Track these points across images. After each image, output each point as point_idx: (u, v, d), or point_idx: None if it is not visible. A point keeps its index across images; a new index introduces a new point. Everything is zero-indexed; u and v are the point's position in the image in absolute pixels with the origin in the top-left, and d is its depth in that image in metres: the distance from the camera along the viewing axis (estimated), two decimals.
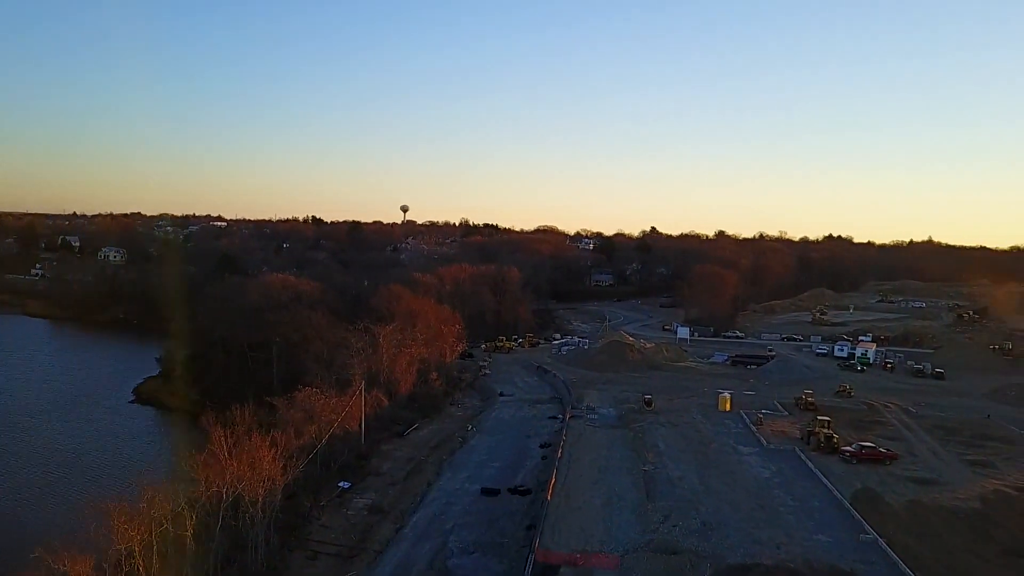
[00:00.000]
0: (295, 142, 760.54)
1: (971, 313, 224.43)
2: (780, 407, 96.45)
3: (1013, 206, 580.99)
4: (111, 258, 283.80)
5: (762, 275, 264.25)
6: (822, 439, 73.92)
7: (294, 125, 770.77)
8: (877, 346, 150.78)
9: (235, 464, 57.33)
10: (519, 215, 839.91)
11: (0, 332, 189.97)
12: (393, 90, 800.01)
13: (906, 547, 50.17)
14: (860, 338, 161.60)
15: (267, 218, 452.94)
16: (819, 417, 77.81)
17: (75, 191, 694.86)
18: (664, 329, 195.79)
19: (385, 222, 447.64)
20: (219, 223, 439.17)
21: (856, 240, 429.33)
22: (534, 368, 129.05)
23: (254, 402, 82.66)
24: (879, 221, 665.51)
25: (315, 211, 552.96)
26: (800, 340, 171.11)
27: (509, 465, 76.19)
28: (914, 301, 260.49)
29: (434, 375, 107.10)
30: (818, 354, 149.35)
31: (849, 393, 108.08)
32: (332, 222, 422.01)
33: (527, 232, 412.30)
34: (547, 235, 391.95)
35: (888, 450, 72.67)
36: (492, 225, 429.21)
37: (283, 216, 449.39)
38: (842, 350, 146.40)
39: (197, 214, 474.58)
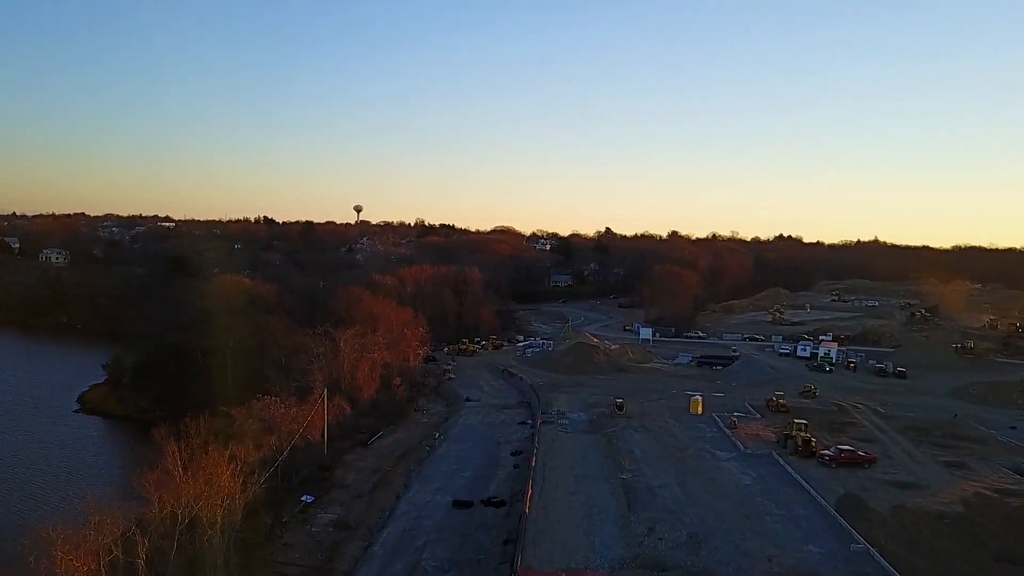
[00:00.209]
0: (244, 141, 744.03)
1: (923, 312, 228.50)
2: (752, 409, 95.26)
3: (954, 207, 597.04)
4: (53, 260, 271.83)
5: (720, 275, 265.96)
6: (800, 443, 72.58)
7: (243, 123, 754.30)
8: (838, 346, 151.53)
9: (191, 481, 53.28)
10: (475, 215, 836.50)
11: None
12: (345, 88, 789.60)
13: (898, 557, 48.63)
14: (821, 338, 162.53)
15: (217, 219, 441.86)
16: (796, 420, 76.55)
17: (14, 190, 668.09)
18: (625, 330, 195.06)
19: (339, 222, 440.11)
20: (167, 224, 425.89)
21: (806, 240, 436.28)
22: (499, 371, 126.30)
23: (209, 412, 78.76)
24: (827, 221, 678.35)
25: (267, 211, 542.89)
26: (762, 340, 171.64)
27: (480, 475, 73.31)
28: (867, 300, 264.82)
29: (397, 380, 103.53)
30: (781, 354, 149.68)
31: (814, 394, 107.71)
32: (284, 223, 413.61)
33: (484, 232, 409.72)
34: (505, 235, 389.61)
35: (866, 453, 71.64)
36: (449, 225, 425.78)
37: (234, 217, 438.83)
38: (804, 350, 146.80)
39: (144, 214, 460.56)
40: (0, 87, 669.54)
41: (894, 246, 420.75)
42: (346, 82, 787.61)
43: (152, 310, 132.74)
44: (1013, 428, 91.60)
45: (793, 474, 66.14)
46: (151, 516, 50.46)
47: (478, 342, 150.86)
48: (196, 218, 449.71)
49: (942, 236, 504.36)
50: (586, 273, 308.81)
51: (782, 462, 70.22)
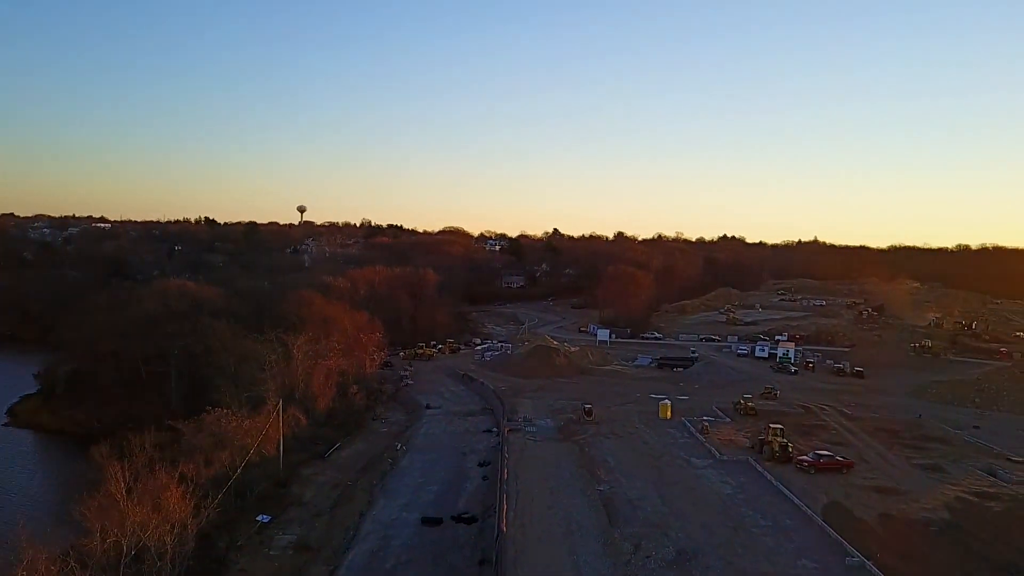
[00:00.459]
0: (182, 139, 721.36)
1: (869, 310, 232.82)
2: (720, 413, 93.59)
3: (889, 207, 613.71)
4: None
5: (671, 275, 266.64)
6: (776, 448, 70.76)
7: (180, 121, 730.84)
8: (795, 346, 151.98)
9: (136, 507, 48.62)
10: (422, 216, 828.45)
11: None
12: (286, 87, 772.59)
13: (894, 570, 46.72)
14: (777, 338, 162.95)
15: (155, 219, 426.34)
16: (771, 425, 74.71)
17: None
18: (580, 331, 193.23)
19: (282, 223, 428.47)
20: (103, 224, 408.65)
21: (748, 240, 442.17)
22: (459, 376, 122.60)
23: (153, 425, 73.71)
24: (768, 222, 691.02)
25: (207, 212, 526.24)
26: (718, 340, 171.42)
27: (448, 488, 69.67)
28: (815, 299, 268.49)
29: (354, 388, 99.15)
30: (739, 355, 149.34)
31: (775, 395, 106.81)
32: (226, 223, 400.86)
33: (433, 233, 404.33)
34: (455, 236, 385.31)
35: (844, 458, 70.26)
36: (396, 226, 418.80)
37: (173, 217, 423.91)
38: (763, 351, 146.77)
39: (77, 215, 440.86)
40: None
41: (833, 246, 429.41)
42: (287, 81, 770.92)
43: (88, 316, 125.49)
44: (977, 428, 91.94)
45: (774, 482, 64.13)
46: (92, 548, 45.60)
47: (434, 346, 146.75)
48: (133, 219, 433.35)
49: (878, 236, 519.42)
50: (538, 274, 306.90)
51: (760, 469, 68.25)
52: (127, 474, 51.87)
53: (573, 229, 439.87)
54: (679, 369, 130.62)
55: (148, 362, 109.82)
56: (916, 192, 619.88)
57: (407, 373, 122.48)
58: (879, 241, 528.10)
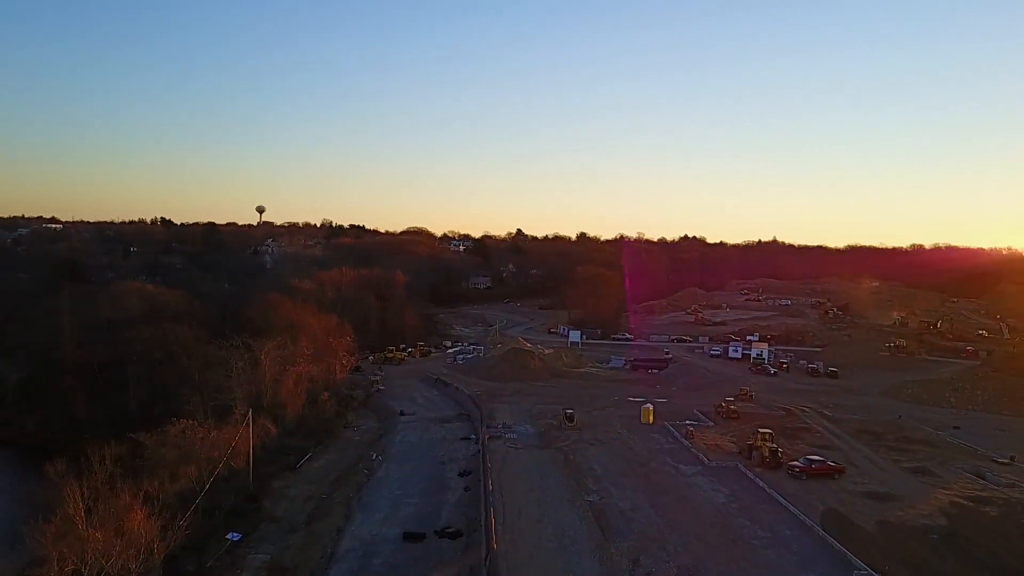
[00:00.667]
0: (135, 137, 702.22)
1: (834, 310, 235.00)
2: (702, 416, 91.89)
3: (844, 208, 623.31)
4: None
5: (638, 276, 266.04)
6: (766, 453, 69.05)
7: (135, 119, 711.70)
8: (768, 346, 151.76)
9: (97, 531, 44.86)
10: (383, 216, 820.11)
11: None
12: (243, 85, 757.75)
13: None
14: (748, 338, 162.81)
15: (109, 220, 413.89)
16: (760, 430, 73.03)
17: None
18: (550, 332, 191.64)
19: (240, 223, 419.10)
20: (54, 225, 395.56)
21: (709, 240, 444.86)
22: (432, 381, 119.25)
23: (112, 436, 69.43)
24: (728, 222, 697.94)
25: (163, 212, 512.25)
26: (689, 341, 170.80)
27: (428, 500, 66.41)
28: (780, 299, 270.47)
29: (325, 395, 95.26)
30: (712, 355, 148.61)
31: (750, 397, 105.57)
32: (183, 224, 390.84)
33: (396, 234, 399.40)
34: (418, 236, 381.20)
35: (835, 463, 68.80)
36: (359, 226, 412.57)
37: (127, 218, 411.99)
38: (736, 351, 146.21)
39: (27, 215, 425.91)
40: None
41: (792, 246, 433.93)
42: (244, 79, 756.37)
43: (39, 320, 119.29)
44: (957, 428, 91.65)
45: (767, 489, 62.32)
46: None
47: (404, 349, 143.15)
48: (85, 219, 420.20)
49: (835, 236, 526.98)
50: (504, 275, 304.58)
51: (751, 475, 66.47)
52: (86, 493, 48.10)
53: (536, 230, 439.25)
54: (654, 371, 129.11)
55: (105, 369, 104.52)
56: (870, 193, 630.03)
57: (378, 378, 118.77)
58: (836, 241, 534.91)
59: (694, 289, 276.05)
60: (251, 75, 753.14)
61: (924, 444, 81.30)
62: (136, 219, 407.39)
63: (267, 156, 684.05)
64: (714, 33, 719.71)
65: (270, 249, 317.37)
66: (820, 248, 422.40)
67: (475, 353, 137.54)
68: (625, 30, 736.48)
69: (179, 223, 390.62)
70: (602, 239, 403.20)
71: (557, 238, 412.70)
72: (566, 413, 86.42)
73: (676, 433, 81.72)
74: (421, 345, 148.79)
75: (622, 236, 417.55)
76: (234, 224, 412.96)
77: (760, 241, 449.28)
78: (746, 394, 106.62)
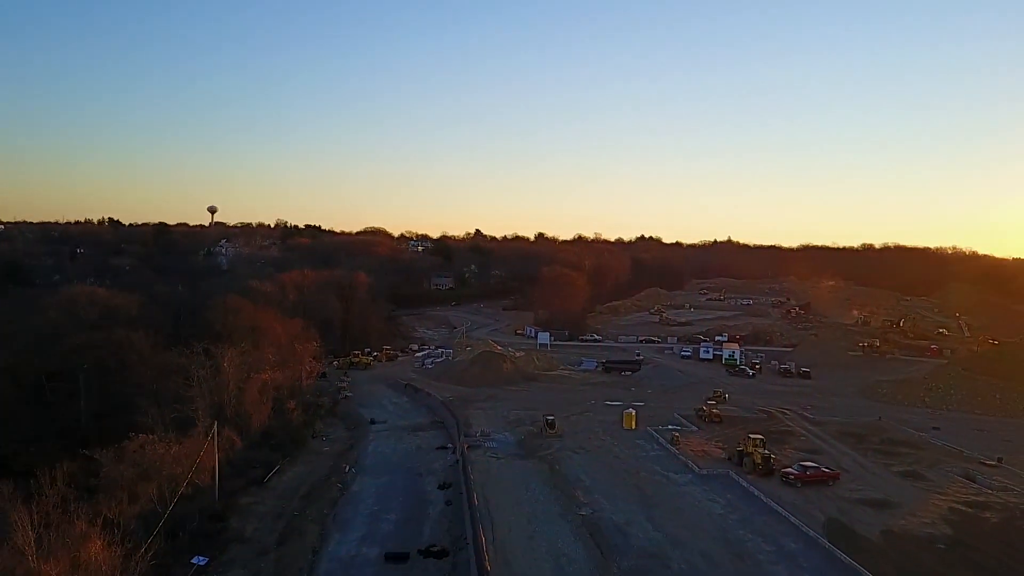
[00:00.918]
0: (81, 135, 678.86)
1: (797, 309, 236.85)
2: (683, 420, 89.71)
3: (798, 209, 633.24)
4: None
5: (602, 276, 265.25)
6: (759, 460, 66.87)
7: (79, 117, 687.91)
8: (738, 347, 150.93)
9: (51, 564, 40.31)
10: (338, 216, 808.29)
11: None
12: (192, 82, 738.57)
13: None
14: (717, 338, 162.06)
15: (54, 220, 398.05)
16: (751, 435, 70.85)
17: None
18: (516, 333, 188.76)
19: (191, 224, 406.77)
20: None
21: (665, 240, 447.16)
22: (401, 386, 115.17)
23: (63, 452, 64.55)
24: (681, 222, 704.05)
25: (110, 212, 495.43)
26: (658, 342, 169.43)
27: (408, 516, 62.52)
28: (742, 298, 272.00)
29: (291, 404, 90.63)
30: (683, 356, 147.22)
31: (724, 399, 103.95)
32: (132, 224, 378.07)
33: (353, 234, 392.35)
34: (377, 237, 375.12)
35: (829, 469, 66.95)
36: (315, 226, 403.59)
37: (72, 218, 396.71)
38: (707, 352, 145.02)
39: None
40: None
41: (747, 246, 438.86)
42: (193, 76, 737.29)
43: None
44: (936, 429, 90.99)
45: (763, 498, 60.03)
46: None
47: (369, 353, 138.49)
48: (28, 220, 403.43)
49: (789, 236, 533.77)
50: (466, 276, 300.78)
51: (744, 483, 64.22)
52: (36, 519, 43.35)
53: (494, 230, 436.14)
54: (627, 373, 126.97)
55: (53, 378, 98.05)
56: (819, 193, 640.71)
57: (344, 384, 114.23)
58: (788, 241, 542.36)
59: (656, 289, 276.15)
60: (199, 73, 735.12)
61: (909, 446, 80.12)
62: (82, 219, 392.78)
63: (218, 155, 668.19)
64: (670, 36, 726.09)
65: (224, 250, 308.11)
66: (774, 248, 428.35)
67: (444, 357, 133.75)
68: (585, 31, 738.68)
69: (128, 224, 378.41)
70: (560, 239, 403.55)
71: (517, 238, 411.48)
72: (547, 420, 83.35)
73: (661, 439, 79.28)
74: (387, 349, 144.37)
75: (580, 236, 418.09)
76: (185, 225, 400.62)
77: (716, 241, 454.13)
78: (720, 396, 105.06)
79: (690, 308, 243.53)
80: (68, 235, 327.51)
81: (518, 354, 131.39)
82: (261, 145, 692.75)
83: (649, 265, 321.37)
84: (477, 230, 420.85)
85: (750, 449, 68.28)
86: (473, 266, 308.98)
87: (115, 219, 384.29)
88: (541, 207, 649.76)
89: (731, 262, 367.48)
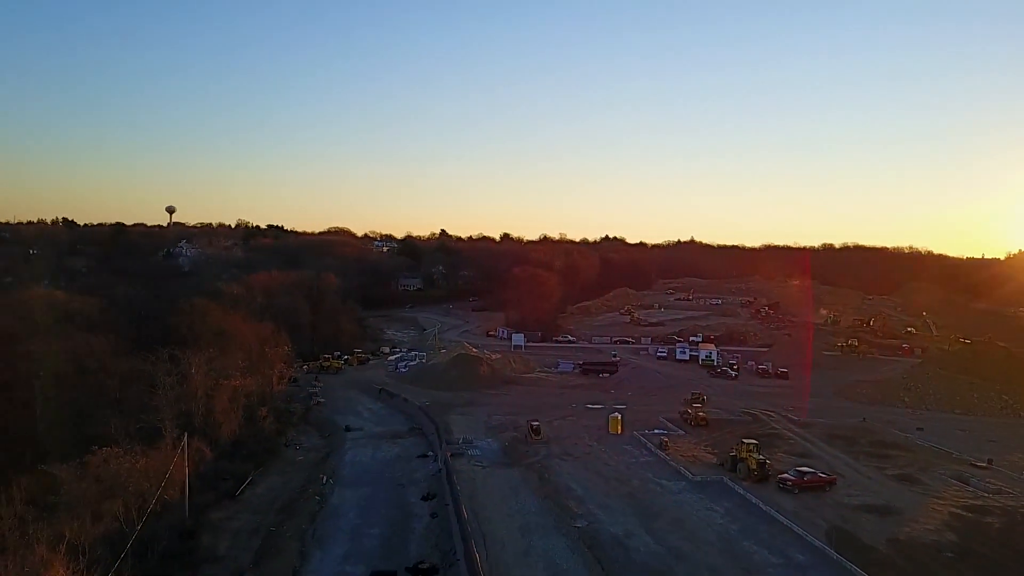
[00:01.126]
0: (34, 133, 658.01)
1: (766, 308, 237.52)
2: (669, 424, 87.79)
3: (758, 207, 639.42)
4: None
5: (572, 276, 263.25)
6: (754, 466, 65.02)
7: (30, 115, 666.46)
8: (714, 347, 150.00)
9: None
10: (299, 215, 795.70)
11: None
12: (149, 80, 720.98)
13: None
14: (691, 338, 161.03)
15: (5, 220, 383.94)
16: (745, 440, 68.93)
17: None
18: (488, 335, 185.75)
19: (149, 224, 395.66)
20: None
21: (629, 240, 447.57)
22: (375, 391, 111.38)
23: (17, 468, 60.33)
24: (643, 222, 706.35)
25: (64, 212, 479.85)
26: (632, 342, 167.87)
27: (393, 531, 59.33)
28: (711, 298, 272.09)
29: (263, 411, 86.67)
30: (658, 357, 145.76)
31: (702, 400, 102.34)
32: (87, 225, 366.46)
33: (317, 234, 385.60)
34: (341, 236, 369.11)
35: (826, 473, 65.36)
36: (277, 226, 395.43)
37: (24, 218, 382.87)
38: (684, 353, 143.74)
39: None
40: None
41: (710, 246, 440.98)
42: (146, 73, 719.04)
43: None
44: (920, 430, 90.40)
45: (763, 507, 58.17)
46: None
47: (340, 357, 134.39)
48: None
49: (749, 236, 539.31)
50: (435, 276, 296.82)
51: (740, 491, 62.33)
52: None
53: (459, 230, 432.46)
54: (605, 375, 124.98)
55: (6, 387, 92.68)
56: (778, 194, 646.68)
57: (315, 389, 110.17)
58: (751, 240, 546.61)
59: (625, 289, 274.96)
60: (154, 71, 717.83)
61: (899, 449, 79.06)
62: (35, 220, 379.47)
63: (175, 154, 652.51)
64: (631, 34, 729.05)
65: (185, 251, 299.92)
66: (736, 248, 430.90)
67: (418, 360, 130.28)
68: (542, 30, 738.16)
69: (83, 224, 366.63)
70: (525, 240, 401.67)
71: (484, 238, 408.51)
72: (532, 425, 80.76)
73: (649, 444, 77.22)
74: (358, 352, 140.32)
75: (545, 237, 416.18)
76: (143, 225, 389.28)
77: (680, 241, 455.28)
78: (699, 397, 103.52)
79: (660, 308, 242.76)
80: (20, 236, 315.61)
81: (494, 356, 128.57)
82: (219, 144, 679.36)
83: (618, 265, 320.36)
84: (443, 230, 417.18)
85: (744, 454, 66.43)
86: (441, 266, 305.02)
87: (70, 219, 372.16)
88: (505, 207, 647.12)
89: (696, 262, 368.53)
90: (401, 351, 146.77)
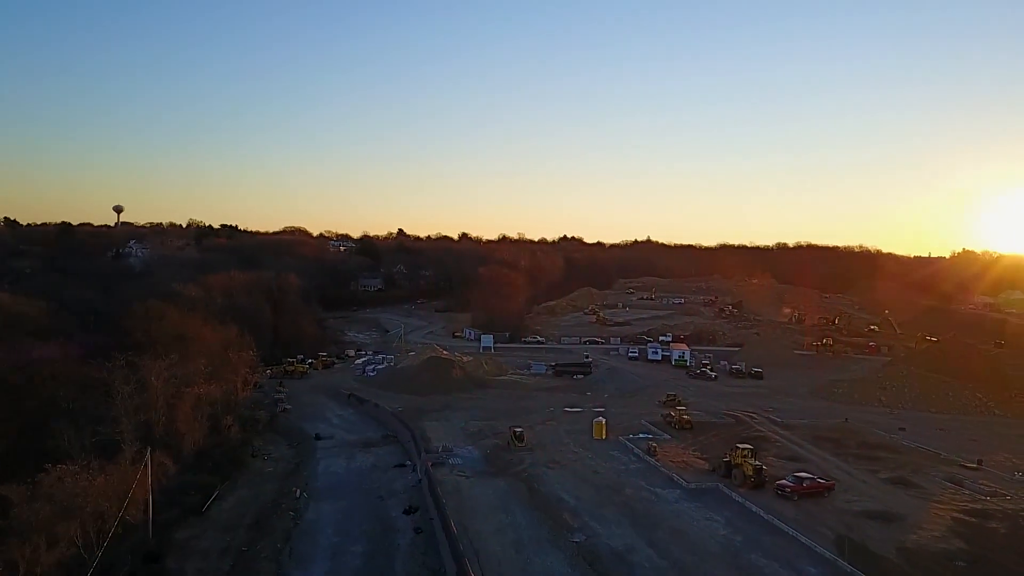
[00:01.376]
0: None
1: (730, 307, 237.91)
2: (653, 428, 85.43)
3: (711, 207, 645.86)
4: None
5: (537, 276, 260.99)
6: (749, 472, 62.81)
7: None
8: (687, 347, 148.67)
9: None
10: (250, 215, 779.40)
11: None
12: (98, 77, 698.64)
13: None
14: (661, 338, 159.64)
15: None
16: (740, 446, 66.73)
17: None
18: (455, 336, 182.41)
19: (96, 224, 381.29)
20: None
21: (587, 240, 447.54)
22: (343, 396, 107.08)
23: None
24: (600, 222, 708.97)
25: (6, 212, 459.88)
26: (602, 343, 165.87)
27: (375, 548, 55.54)
28: (674, 297, 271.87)
29: (228, 420, 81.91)
30: (631, 358, 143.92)
31: (678, 402, 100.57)
32: (31, 224, 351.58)
33: (272, 233, 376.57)
34: (297, 236, 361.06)
35: (824, 479, 63.46)
36: (231, 226, 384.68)
37: None
38: (656, 353, 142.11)
39: None
40: None
41: (666, 245, 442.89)
42: (94, 71, 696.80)
43: None
44: (903, 430, 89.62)
45: (765, 516, 55.84)
46: None
47: (304, 361, 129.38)
48: None
49: (704, 235, 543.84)
50: (395, 276, 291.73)
51: (738, 498, 60.06)
52: None
53: (416, 230, 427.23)
54: (579, 377, 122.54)
55: None
56: (732, 193, 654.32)
57: (281, 395, 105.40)
58: (707, 240, 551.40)
59: (589, 289, 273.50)
60: (99, 67, 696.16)
61: (887, 450, 77.86)
62: None
63: (121, 153, 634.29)
64: (591, 35, 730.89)
65: (135, 251, 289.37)
66: (693, 247, 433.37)
67: (386, 363, 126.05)
68: (504, 31, 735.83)
69: (25, 224, 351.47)
70: (484, 239, 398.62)
71: (442, 238, 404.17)
72: (514, 432, 77.62)
73: (636, 449, 74.71)
74: (323, 356, 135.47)
75: (504, 236, 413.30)
76: (89, 225, 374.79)
77: (636, 240, 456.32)
78: (673, 399, 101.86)
79: (625, 308, 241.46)
80: None
81: (466, 359, 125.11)
82: (167, 142, 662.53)
83: (580, 265, 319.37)
84: (400, 229, 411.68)
85: (739, 460, 64.20)
86: (401, 266, 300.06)
87: (11, 219, 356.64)
88: (461, 207, 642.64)
89: (654, 261, 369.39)
90: (367, 354, 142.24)
